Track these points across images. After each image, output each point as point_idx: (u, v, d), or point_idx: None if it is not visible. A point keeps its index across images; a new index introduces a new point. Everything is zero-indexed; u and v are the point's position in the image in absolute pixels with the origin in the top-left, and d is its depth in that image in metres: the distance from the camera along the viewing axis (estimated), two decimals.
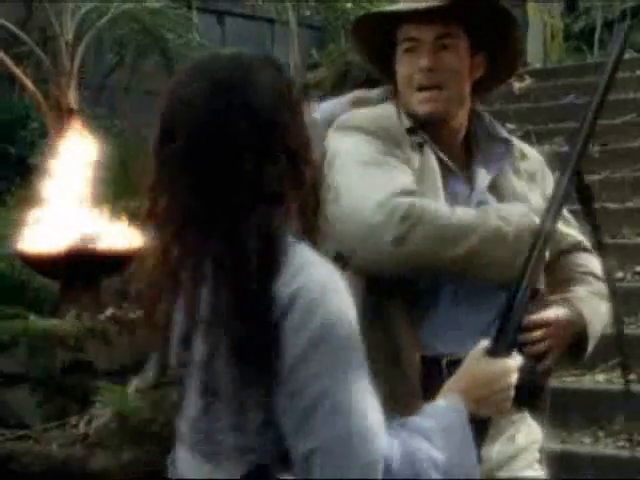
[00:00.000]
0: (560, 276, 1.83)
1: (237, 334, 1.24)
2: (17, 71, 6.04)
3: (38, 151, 7.48)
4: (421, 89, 1.76)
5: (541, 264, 1.55)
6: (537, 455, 1.82)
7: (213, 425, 1.32)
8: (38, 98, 5.99)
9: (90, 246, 5.18)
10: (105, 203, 6.02)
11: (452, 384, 1.38)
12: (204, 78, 1.30)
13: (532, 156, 1.88)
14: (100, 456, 3.85)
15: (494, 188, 1.79)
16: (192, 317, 1.29)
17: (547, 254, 1.70)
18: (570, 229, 1.89)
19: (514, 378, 1.40)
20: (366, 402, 1.23)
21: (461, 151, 1.83)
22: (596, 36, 8.52)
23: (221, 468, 1.32)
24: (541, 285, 1.71)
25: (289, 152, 1.28)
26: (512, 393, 1.39)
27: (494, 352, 1.41)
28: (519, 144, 1.90)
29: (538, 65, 7.72)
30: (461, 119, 1.80)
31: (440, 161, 1.78)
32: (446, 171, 1.79)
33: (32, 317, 4.87)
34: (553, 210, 1.54)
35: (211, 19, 11.47)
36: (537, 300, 1.63)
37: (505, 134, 1.86)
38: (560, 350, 1.70)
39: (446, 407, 1.32)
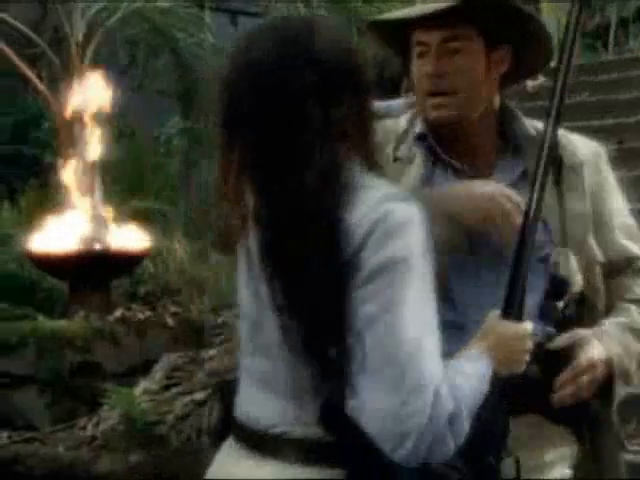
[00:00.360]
0: (607, 302, 1.72)
1: (313, 258, 1.30)
2: (28, 72, 6.03)
3: (51, 151, 7.48)
4: (430, 95, 1.71)
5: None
6: (567, 472, 1.72)
7: (282, 359, 1.37)
8: (48, 98, 5.97)
9: (99, 247, 5.16)
10: (116, 203, 6.01)
11: (478, 340, 1.42)
12: (272, 36, 1.38)
13: (579, 152, 1.75)
14: (106, 459, 3.82)
15: (522, 192, 1.65)
16: (268, 255, 1.35)
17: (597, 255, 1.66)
18: (630, 242, 1.77)
19: (529, 343, 1.44)
20: (425, 330, 1.28)
21: (485, 152, 1.73)
22: (611, 34, 8.45)
23: (294, 404, 1.37)
24: (598, 298, 1.65)
25: (352, 96, 1.37)
26: (527, 357, 1.43)
27: (507, 317, 1.45)
28: (566, 140, 1.74)
29: (552, 63, 7.63)
30: (479, 121, 1.71)
31: (452, 167, 1.73)
32: (456, 175, 1.73)
33: (41, 318, 4.85)
34: (540, 174, 1.51)
35: (224, 18, 11.48)
36: (587, 308, 1.58)
37: (531, 133, 1.73)
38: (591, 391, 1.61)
39: (479, 355, 1.38)
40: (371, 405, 1.27)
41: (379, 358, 1.26)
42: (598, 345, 1.62)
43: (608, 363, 1.62)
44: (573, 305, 1.56)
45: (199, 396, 4.08)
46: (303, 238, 1.31)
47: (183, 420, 3.95)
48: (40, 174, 7.67)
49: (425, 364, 1.26)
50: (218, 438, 1.49)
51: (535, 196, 1.50)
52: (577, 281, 1.61)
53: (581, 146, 1.77)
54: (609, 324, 1.67)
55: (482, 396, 1.33)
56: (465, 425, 1.29)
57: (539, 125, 1.74)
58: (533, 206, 1.49)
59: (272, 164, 1.35)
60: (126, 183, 7.48)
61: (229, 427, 1.48)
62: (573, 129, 1.83)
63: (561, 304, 1.55)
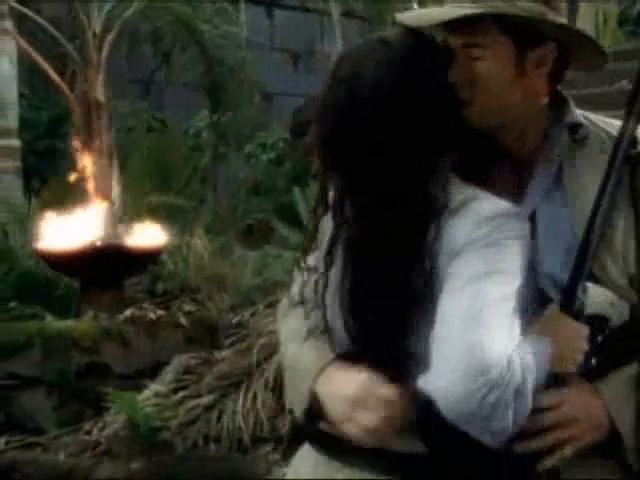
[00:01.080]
0: None
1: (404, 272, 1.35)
2: (46, 66, 5.93)
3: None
4: None
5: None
6: None
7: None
8: (66, 93, 5.86)
9: (111, 244, 5.02)
10: (137, 198, 5.89)
11: (537, 330, 1.39)
12: (389, 61, 1.40)
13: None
14: (108, 465, 3.68)
15: (559, 192, 1.53)
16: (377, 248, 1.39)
17: None
18: None
19: (586, 344, 1.40)
20: (500, 311, 1.30)
21: (526, 151, 1.56)
22: None
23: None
24: None
25: (453, 110, 1.43)
26: (581, 358, 1.40)
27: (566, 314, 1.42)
28: (606, 128, 1.55)
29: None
30: (517, 123, 1.54)
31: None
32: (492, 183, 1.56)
33: (48, 317, 4.72)
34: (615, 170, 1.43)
35: (259, 11, 11.38)
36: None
37: (577, 119, 1.55)
38: (577, 445, 1.41)
39: (541, 339, 1.36)
40: (440, 366, 1.28)
41: (451, 327, 1.29)
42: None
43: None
44: (615, 336, 1.43)
45: (206, 400, 3.92)
46: (397, 252, 1.36)
47: (188, 425, 3.79)
48: (70, 168, 7.66)
49: (496, 340, 1.27)
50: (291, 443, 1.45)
51: (607, 195, 1.44)
52: (615, 313, 1.46)
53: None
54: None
55: (542, 381, 1.32)
56: (528, 404, 1.28)
57: (591, 116, 1.57)
58: (603, 205, 1.44)
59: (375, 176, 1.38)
60: (152, 178, 7.39)
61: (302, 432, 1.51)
62: (613, 117, 1.60)
63: (599, 339, 1.43)
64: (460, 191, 1.39)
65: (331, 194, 1.46)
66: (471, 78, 1.48)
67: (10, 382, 4.39)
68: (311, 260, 1.54)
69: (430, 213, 1.36)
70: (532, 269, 1.42)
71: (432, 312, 1.32)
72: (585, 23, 7.50)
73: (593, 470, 1.46)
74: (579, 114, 1.56)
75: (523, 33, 1.48)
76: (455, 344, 1.28)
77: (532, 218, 1.50)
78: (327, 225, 1.47)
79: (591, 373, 1.42)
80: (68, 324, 4.62)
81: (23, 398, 4.37)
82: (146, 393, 4.13)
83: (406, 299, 1.35)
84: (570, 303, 1.41)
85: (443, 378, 1.27)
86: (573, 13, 7.30)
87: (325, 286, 1.45)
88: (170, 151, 8.15)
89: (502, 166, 1.56)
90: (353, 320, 1.41)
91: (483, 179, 1.51)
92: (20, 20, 7.03)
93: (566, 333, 1.40)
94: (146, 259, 5.19)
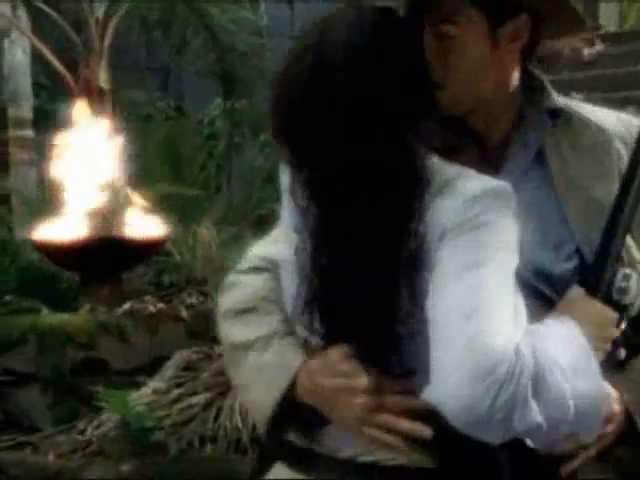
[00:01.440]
0: None
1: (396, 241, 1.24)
2: (47, 53, 5.81)
3: None
4: None
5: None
6: None
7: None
8: (68, 81, 5.73)
9: (110, 235, 4.87)
10: (146, 188, 5.75)
11: (561, 313, 1.29)
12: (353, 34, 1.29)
13: (601, 130, 1.48)
14: (97, 467, 3.54)
15: (542, 175, 1.45)
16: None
17: None
18: None
19: (614, 330, 1.32)
20: (500, 298, 1.18)
21: (499, 133, 1.48)
22: None
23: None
24: None
25: (424, 84, 1.32)
26: (609, 346, 1.31)
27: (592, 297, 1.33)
28: (587, 115, 1.50)
29: (612, 28, 7.12)
30: (487, 111, 1.46)
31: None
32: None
33: (44, 311, 4.59)
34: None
35: (281, 1, 11.26)
36: None
37: (558, 104, 1.48)
38: (601, 445, 1.33)
39: (576, 324, 1.25)
40: (445, 368, 1.15)
41: (451, 327, 1.17)
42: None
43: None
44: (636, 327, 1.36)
45: (203, 398, 3.76)
46: (376, 236, 1.24)
47: (184, 425, 3.63)
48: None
49: (499, 333, 1.15)
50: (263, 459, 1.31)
51: (634, 189, 1.35)
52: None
53: (601, 125, 1.48)
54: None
55: (579, 361, 1.20)
56: (556, 392, 1.16)
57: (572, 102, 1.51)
58: (635, 187, 1.35)
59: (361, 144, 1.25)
60: (166, 167, 7.27)
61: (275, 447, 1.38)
62: (635, 99, 1.53)
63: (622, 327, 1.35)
64: (442, 170, 1.27)
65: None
66: (444, 58, 1.38)
67: (6, 378, 4.28)
68: (275, 254, 1.40)
69: (414, 187, 1.24)
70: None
71: (419, 299, 1.21)
72: (608, 6, 7.30)
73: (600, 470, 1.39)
74: (560, 100, 1.48)
75: (496, 6, 1.38)
76: (454, 343, 1.15)
77: None
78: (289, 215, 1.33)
79: (619, 364, 1.35)
80: (62, 318, 4.48)
81: (20, 395, 4.24)
82: (145, 390, 3.99)
83: (389, 285, 1.23)
84: (597, 286, 1.32)
85: (446, 384, 1.15)
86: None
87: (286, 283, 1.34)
88: (184, 140, 8.02)
89: (472, 150, 1.44)
90: (328, 314, 1.28)
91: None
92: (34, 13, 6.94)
93: (593, 317, 1.29)
94: (147, 251, 5.05)
